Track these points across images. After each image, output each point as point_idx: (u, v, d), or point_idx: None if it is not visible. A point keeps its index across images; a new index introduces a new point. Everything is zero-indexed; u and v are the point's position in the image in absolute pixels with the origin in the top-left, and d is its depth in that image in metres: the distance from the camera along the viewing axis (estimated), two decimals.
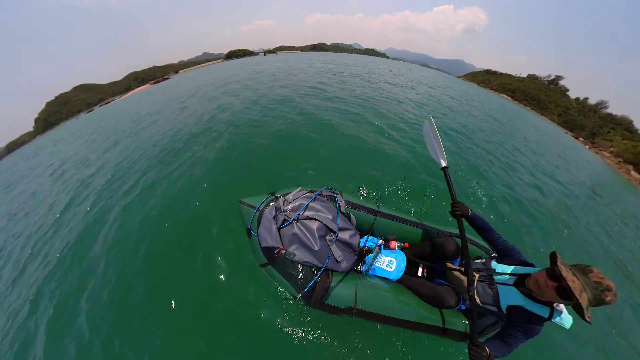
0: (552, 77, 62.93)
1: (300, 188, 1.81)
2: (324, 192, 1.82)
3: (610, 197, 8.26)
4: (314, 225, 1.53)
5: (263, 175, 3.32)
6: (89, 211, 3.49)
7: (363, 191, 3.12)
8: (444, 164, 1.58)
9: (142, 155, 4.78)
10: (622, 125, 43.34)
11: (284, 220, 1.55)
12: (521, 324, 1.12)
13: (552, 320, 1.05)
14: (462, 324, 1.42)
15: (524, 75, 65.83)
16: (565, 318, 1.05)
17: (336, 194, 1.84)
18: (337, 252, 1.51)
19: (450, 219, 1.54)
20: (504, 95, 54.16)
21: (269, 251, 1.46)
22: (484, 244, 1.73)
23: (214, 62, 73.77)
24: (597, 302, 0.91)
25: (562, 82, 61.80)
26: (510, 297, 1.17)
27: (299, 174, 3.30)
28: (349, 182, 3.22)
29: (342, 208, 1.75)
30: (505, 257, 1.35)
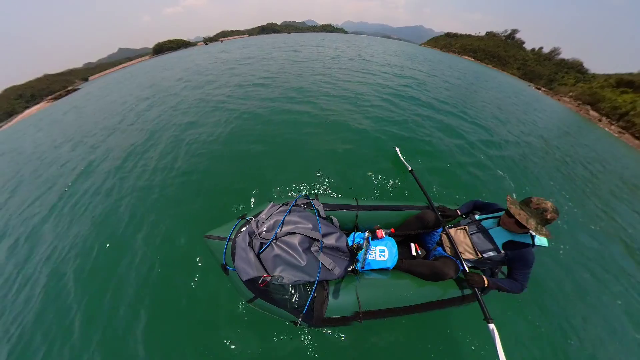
0: (509, 32, 69.00)
1: (272, 203, 1.78)
2: (299, 202, 1.82)
3: (575, 134, 10.40)
4: (295, 239, 1.52)
5: (226, 200, 3.08)
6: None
7: (338, 189, 3.20)
8: (409, 168, 2.38)
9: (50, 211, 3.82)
10: (574, 68, 49.20)
11: (261, 244, 1.51)
12: (518, 257, 1.45)
13: (535, 244, 1.42)
14: (465, 287, 1.58)
15: (483, 33, 71.10)
16: (542, 239, 1.44)
17: (312, 199, 1.86)
18: (326, 260, 1.53)
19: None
20: (467, 57, 58.24)
21: (252, 283, 1.41)
22: (453, 207, 2.09)
23: (139, 59, 62.48)
24: (544, 222, 1.32)
25: (517, 36, 67.99)
26: (501, 235, 1.52)
27: (266, 190, 3.18)
28: (321, 183, 3.27)
29: (321, 213, 1.79)
30: (485, 210, 1.81)
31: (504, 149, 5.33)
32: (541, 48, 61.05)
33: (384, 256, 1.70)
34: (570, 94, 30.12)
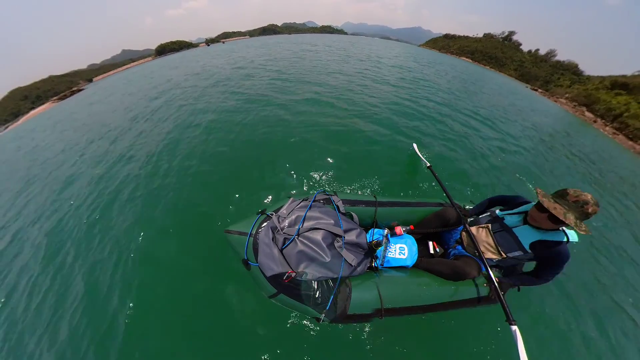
0: (506, 34, 69.05)
1: (292, 199, 1.76)
2: (319, 197, 1.80)
3: (575, 134, 10.59)
4: (319, 235, 1.50)
5: (244, 195, 3.07)
6: None
7: (356, 185, 3.16)
8: (427, 164, 2.27)
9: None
10: (570, 69, 49.56)
11: (285, 239, 1.48)
12: (551, 257, 1.30)
13: (570, 240, 1.27)
14: (485, 288, 1.53)
15: (480, 35, 71.22)
16: (573, 234, 1.29)
17: (331, 195, 1.84)
18: (349, 256, 1.51)
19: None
20: (465, 58, 58.34)
21: (276, 279, 1.38)
22: (467, 206, 2.05)
23: (142, 60, 62.58)
24: (584, 216, 1.14)
25: (514, 37, 68.06)
26: (528, 235, 1.35)
27: (284, 184, 3.17)
28: (339, 178, 3.23)
29: (341, 209, 1.76)
30: (507, 204, 1.63)
31: (511, 149, 5.40)
32: (537, 50, 61.40)
33: (404, 254, 1.66)
34: (567, 95, 30.30)
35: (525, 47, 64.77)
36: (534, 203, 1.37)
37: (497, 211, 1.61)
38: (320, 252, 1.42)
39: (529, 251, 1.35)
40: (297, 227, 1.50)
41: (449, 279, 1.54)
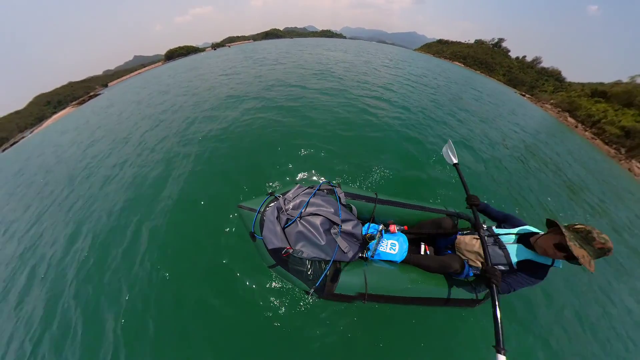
0: (496, 40, 69.21)
1: (299, 185, 1.83)
2: (323, 187, 1.86)
3: (560, 138, 11.35)
4: (318, 220, 1.57)
5: (258, 178, 3.31)
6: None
7: (360, 180, 3.23)
8: (455, 161, 1.94)
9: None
10: (553, 76, 50.20)
11: (287, 219, 1.57)
12: (530, 272, 1.29)
13: (554, 265, 1.26)
14: (470, 290, 1.54)
15: (472, 41, 71.38)
16: (560, 261, 1.25)
17: (335, 186, 1.88)
18: (342, 243, 1.58)
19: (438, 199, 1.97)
20: (458, 63, 58.36)
21: (276, 252, 1.48)
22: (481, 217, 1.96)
23: (153, 66, 63.27)
24: (598, 257, 1.08)
25: (504, 44, 68.37)
26: (520, 253, 1.33)
27: (293, 172, 3.32)
28: (345, 172, 3.33)
29: (342, 200, 1.81)
30: (505, 223, 1.56)
31: (506, 150, 5.67)
32: (525, 56, 61.75)
33: (395, 250, 1.70)
34: (552, 101, 30.78)
35: (513, 54, 65.32)
36: (531, 228, 1.38)
37: (494, 227, 1.56)
38: (317, 235, 1.50)
39: (515, 268, 1.32)
40: (300, 210, 1.58)
41: (434, 272, 1.57)
